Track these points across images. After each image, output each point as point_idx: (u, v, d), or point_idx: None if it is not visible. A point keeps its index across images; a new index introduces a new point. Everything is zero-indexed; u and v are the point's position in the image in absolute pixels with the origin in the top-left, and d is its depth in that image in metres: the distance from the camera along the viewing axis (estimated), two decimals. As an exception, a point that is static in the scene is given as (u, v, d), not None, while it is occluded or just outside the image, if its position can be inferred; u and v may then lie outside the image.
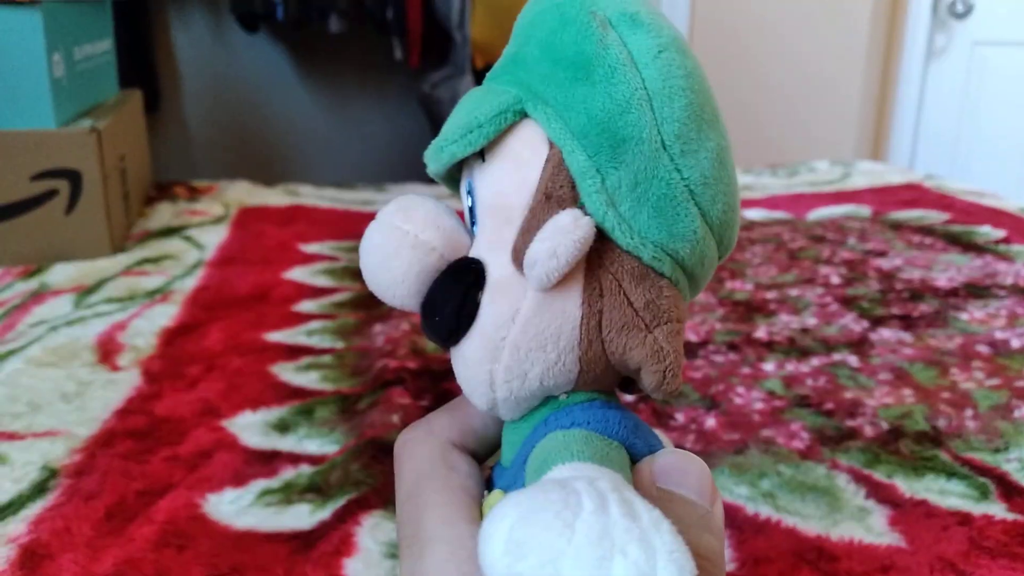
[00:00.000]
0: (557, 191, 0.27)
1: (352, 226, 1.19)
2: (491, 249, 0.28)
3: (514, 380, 0.28)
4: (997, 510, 0.55)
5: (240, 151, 2.13)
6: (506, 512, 0.21)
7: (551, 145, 0.28)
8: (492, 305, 0.28)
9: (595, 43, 0.28)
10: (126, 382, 0.71)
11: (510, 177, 0.29)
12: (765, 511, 0.55)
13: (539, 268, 0.27)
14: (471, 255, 0.29)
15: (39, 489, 0.56)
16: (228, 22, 1.99)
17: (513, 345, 0.28)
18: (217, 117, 2.10)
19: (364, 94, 2.17)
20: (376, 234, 0.29)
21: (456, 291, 0.28)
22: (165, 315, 0.86)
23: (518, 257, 0.27)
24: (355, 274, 0.99)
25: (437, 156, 0.29)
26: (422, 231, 0.29)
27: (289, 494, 0.56)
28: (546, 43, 0.29)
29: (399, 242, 0.29)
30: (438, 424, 0.32)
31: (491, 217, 0.29)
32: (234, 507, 0.54)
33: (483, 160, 0.29)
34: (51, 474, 0.58)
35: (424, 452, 0.31)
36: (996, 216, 1.24)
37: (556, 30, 0.29)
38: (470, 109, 0.29)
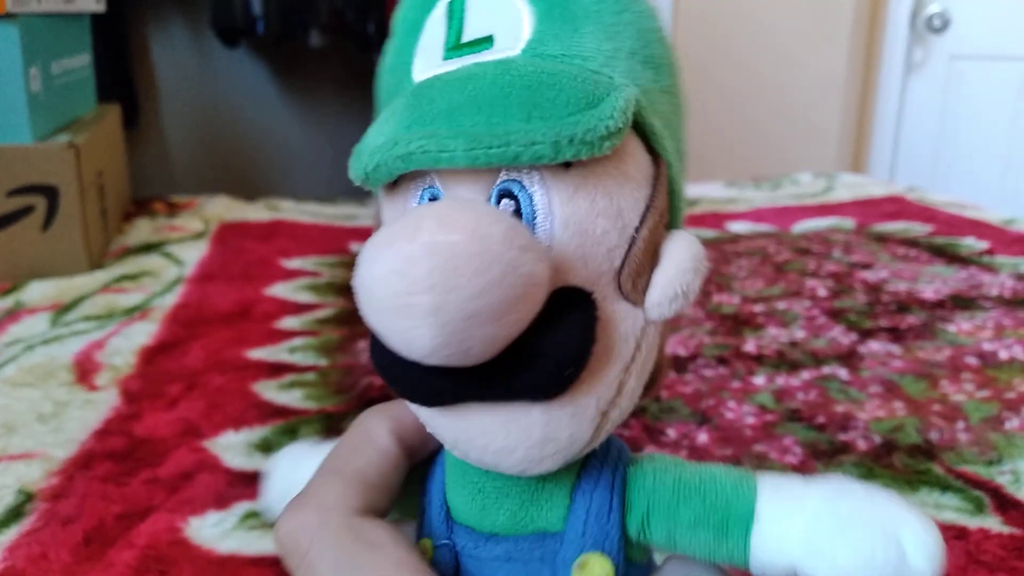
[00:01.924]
0: (665, 214, 0.26)
1: (334, 241, 1.17)
2: (598, 276, 0.24)
3: (612, 425, 0.26)
4: (993, 523, 0.54)
5: (220, 166, 2.11)
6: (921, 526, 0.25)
7: (655, 161, 0.26)
8: (617, 343, 0.25)
9: (671, 50, 0.27)
10: (104, 402, 0.70)
11: (618, 194, 0.25)
12: (760, 528, 0.54)
13: (682, 301, 0.25)
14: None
15: (14, 514, 0.54)
16: (208, 37, 1.98)
17: (632, 388, 0.25)
18: (197, 132, 2.09)
19: (345, 108, 2.16)
20: (501, 275, 0.21)
21: (579, 331, 0.24)
22: (144, 333, 0.84)
23: (638, 286, 0.25)
24: (338, 290, 0.98)
25: (547, 149, 0.22)
26: (539, 259, 0.22)
27: (273, 516, 0.55)
28: (641, 35, 0.26)
29: (528, 283, 0.22)
30: (328, 495, 0.26)
31: (585, 240, 0.24)
32: (217, 530, 0.53)
33: (566, 167, 0.24)
34: (27, 498, 0.56)
35: (329, 540, 0.25)
36: (979, 228, 1.24)
37: (647, 17, 0.26)
38: (586, 95, 0.23)
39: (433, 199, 0.25)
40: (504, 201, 0.24)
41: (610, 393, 0.25)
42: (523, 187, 0.24)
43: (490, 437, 0.24)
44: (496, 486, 0.27)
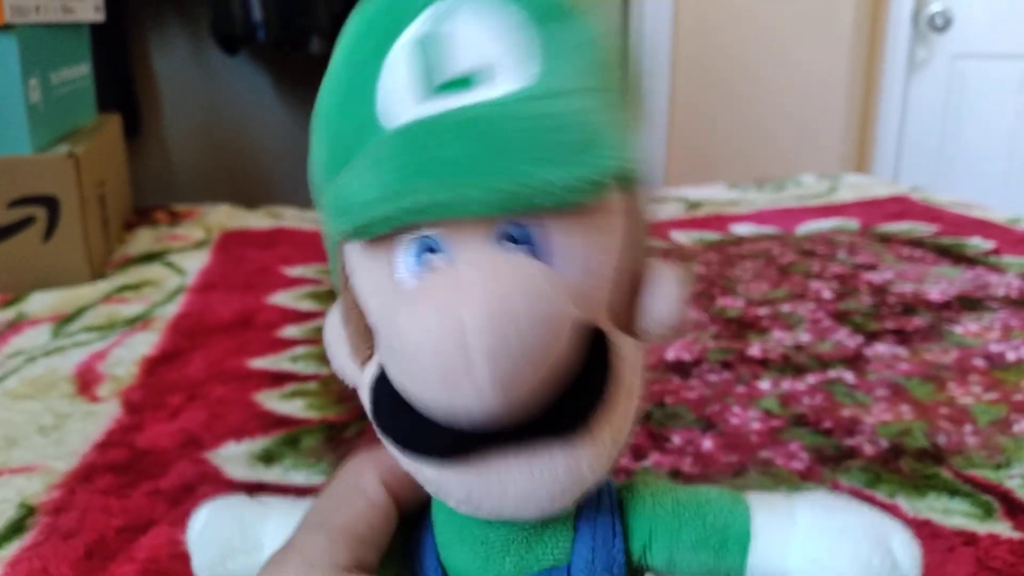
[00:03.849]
0: (641, 241, 0.26)
1: (337, 248, 1.17)
2: (598, 310, 0.25)
3: (620, 452, 0.26)
4: (1002, 529, 0.54)
5: (222, 174, 2.11)
6: (892, 529, 0.27)
7: (626, 190, 0.26)
8: (624, 373, 0.25)
9: (633, 63, 0.28)
10: (106, 414, 0.69)
11: (605, 228, 0.25)
12: (767, 535, 0.53)
13: (674, 326, 0.26)
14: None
15: (15, 528, 0.54)
16: (208, 45, 1.98)
17: (633, 413, 0.26)
18: (199, 140, 2.09)
19: (347, 115, 2.16)
20: (558, 331, 0.22)
21: (600, 367, 0.24)
22: (146, 343, 0.84)
23: (630, 315, 0.26)
24: (340, 297, 0.98)
25: (560, 193, 0.22)
26: (571, 304, 0.23)
27: (275, 528, 0.54)
28: (613, 62, 0.26)
29: (571, 331, 0.23)
30: (313, 550, 0.25)
31: (586, 276, 0.25)
32: (218, 543, 0.52)
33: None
34: (28, 512, 0.56)
35: None
36: (984, 227, 1.24)
37: (610, 40, 0.27)
38: (589, 135, 0.24)
39: (429, 250, 0.24)
40: (505, 244, 0.24)
41: (621, 422, 0.25)
42: (523, 229, 0.24)
43: (511, 483, 0.24)
44: (501, 535, 0.26)
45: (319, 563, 0.24)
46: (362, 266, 0.26)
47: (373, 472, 0.27)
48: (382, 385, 0.24)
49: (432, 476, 0.25)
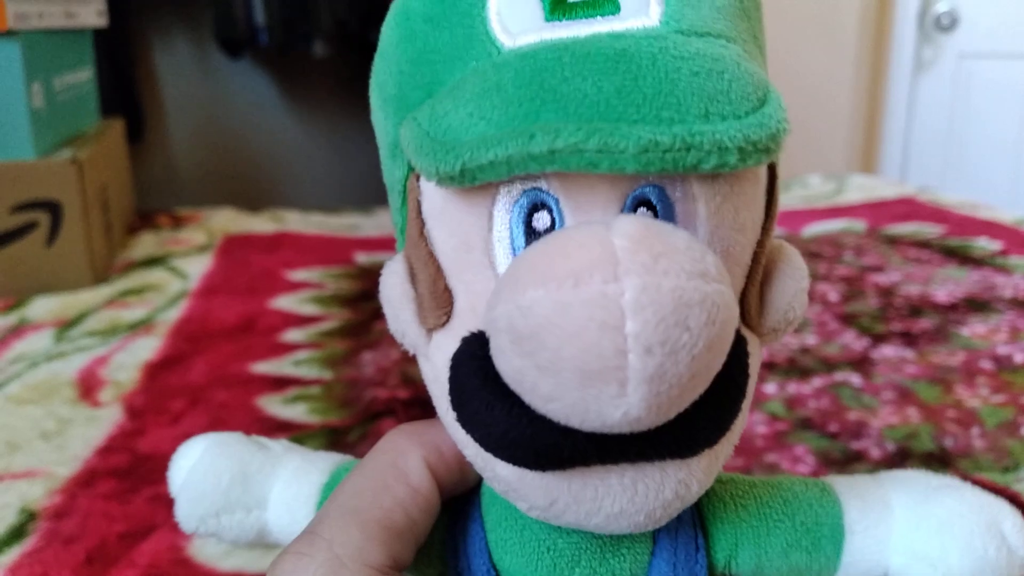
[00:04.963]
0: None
1: (339, 251, 1.17)
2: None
3: None
4: (1012, 533, 0.53)
5: (226, 177, 2.11)
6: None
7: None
8: (752, 379, 0.22)
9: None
10: (108, 419, 0.69)
11: (753, 202, 0.21)
12: (773, 540, 0.53)
13: (795, 324, 0.22)
14: None
15: (16, 533, 0.54)
16: (211, 48, 1.98)
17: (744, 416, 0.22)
18: (202, 144, 2.09)
19: (350, 117, 2.16)
20: (727, 321, 0.18)
21: (743, 373, 0.21)
22: (148, 348, 0.83)
23: (760, 311, 0.22)
24: (342, 301, 0.97)
25: (733, 156, 0.18)
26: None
27: (277, 534, 0.54)
28: (758, 11, 0.22)
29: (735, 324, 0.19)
30: (344, 544, 0.22)
31: (727, 260, 0.21)
32: (221, 548, 0.52)
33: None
34: (29, 517, 0.55)
35: None
36: (992, 228, 1.23)
37: None
38: (753, 88, 0.19)
39: (538, 205, 0.20)
40: (640, 210, 0.20)
41: (736, 436, 0.22)
42: (664, 195, 0.20)
43: (608, 498, 0.20)
44: (571, 542, 0.23)
45: (350, 562, 0.21)
46: (447, 215, 0.21)
47: (417, 452, 0.24)
48: (469, 366, 0.20)
49: (510, 477, 0.21)
